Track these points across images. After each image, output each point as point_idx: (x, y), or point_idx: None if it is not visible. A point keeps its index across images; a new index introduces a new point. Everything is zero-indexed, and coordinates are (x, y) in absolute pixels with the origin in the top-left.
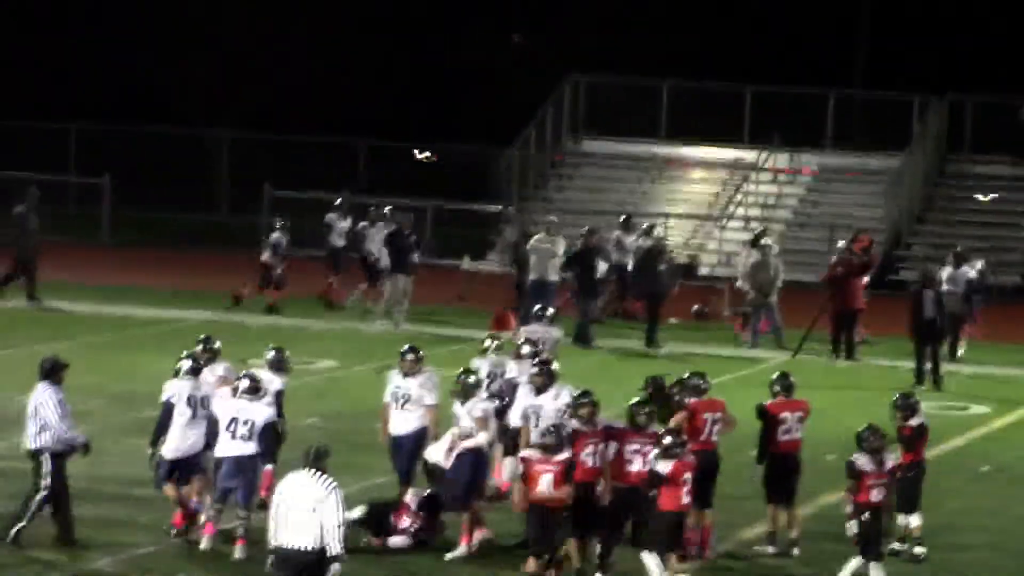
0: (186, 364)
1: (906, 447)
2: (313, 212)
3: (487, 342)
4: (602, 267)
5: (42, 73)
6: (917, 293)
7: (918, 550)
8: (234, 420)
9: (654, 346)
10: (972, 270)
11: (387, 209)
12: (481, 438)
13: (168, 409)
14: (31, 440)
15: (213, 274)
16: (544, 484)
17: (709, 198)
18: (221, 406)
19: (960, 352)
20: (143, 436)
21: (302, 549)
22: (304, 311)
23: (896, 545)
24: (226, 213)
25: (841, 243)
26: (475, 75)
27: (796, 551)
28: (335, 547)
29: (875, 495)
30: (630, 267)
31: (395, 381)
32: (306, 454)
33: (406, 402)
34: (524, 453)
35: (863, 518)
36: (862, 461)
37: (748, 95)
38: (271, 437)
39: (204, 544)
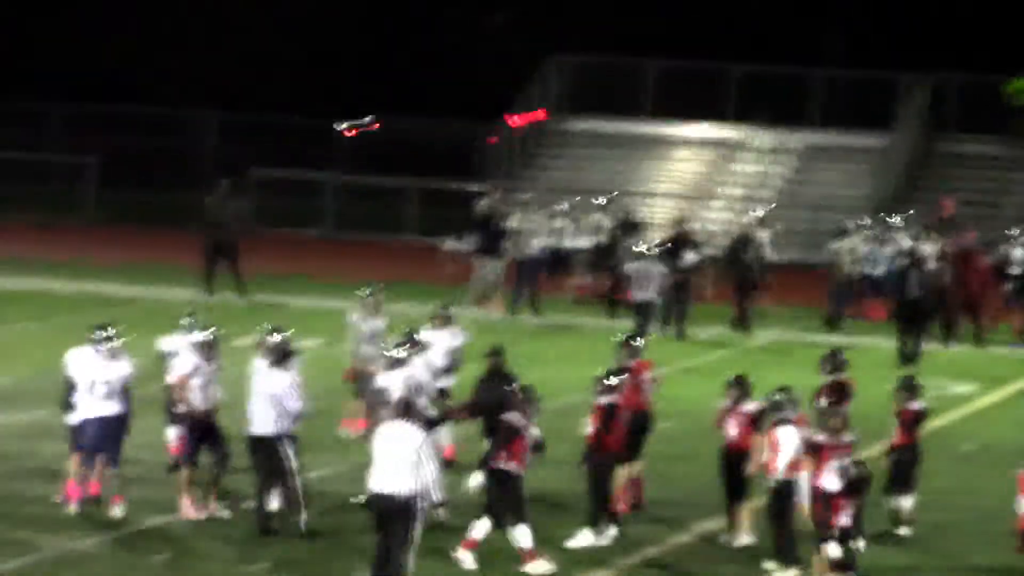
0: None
1: (904, 430)
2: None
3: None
4: (690, 257)
5: (27, 53)
6: (902, 272)
7: (903, 531)
8: (94, 382)
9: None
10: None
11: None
12: None
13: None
14: (270, 425)
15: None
16: None
17: (694, 177)
18: (79, 369)
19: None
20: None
21: (394, 494)
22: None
23: (890, 528)
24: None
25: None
26: (460, 54)
27: None
28: (435, 492)
29: None
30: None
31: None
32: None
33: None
34: None
35: None
36: None
37: (733, 74)
38: (131, 398)
39: (72, 508)
